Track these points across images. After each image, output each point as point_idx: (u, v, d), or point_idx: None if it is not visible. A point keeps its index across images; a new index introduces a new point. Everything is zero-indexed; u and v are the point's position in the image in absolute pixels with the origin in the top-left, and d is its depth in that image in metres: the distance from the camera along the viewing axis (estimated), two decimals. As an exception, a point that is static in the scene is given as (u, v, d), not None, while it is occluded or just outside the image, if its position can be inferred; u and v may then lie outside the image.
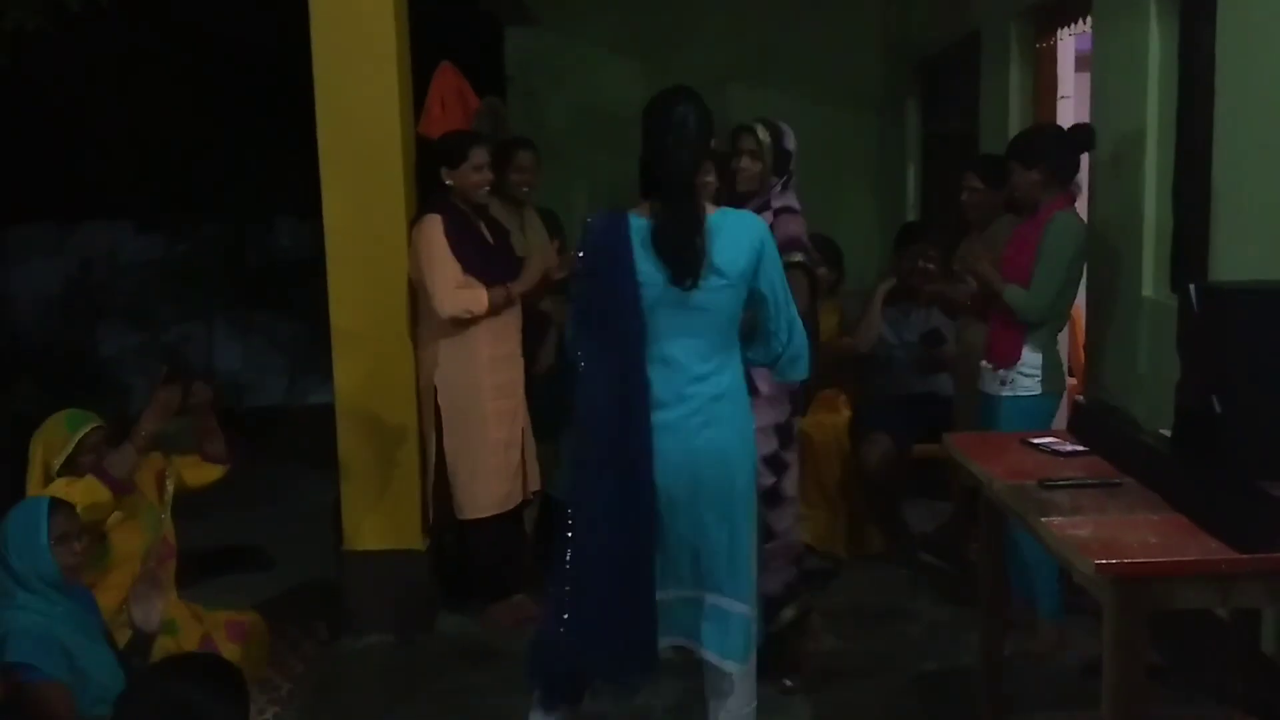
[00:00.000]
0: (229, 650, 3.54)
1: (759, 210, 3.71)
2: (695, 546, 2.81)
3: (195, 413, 3.70)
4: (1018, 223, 4.36)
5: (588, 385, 2.78)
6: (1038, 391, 3.84)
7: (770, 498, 3.65)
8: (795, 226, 3.74)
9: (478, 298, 4.08)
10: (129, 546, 3.49)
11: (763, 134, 3.78)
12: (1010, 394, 3.86)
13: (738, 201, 3.82)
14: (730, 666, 2.87)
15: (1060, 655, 3.85)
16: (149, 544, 3.54)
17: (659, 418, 2.76)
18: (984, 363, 3.99)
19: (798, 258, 3.67)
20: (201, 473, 3.79)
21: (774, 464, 3.65)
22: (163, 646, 3.26)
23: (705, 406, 2.79)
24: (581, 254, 2.81)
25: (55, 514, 3.05)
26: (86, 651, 2.99)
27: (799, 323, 2.89)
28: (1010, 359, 3.87)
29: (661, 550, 2.79)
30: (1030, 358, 3.84)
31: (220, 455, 3.81)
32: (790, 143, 3.82)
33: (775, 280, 2.83)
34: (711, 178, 4.48)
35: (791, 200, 3.81)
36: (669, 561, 2.81)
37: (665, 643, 2.87)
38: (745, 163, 3.80)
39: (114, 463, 3.36)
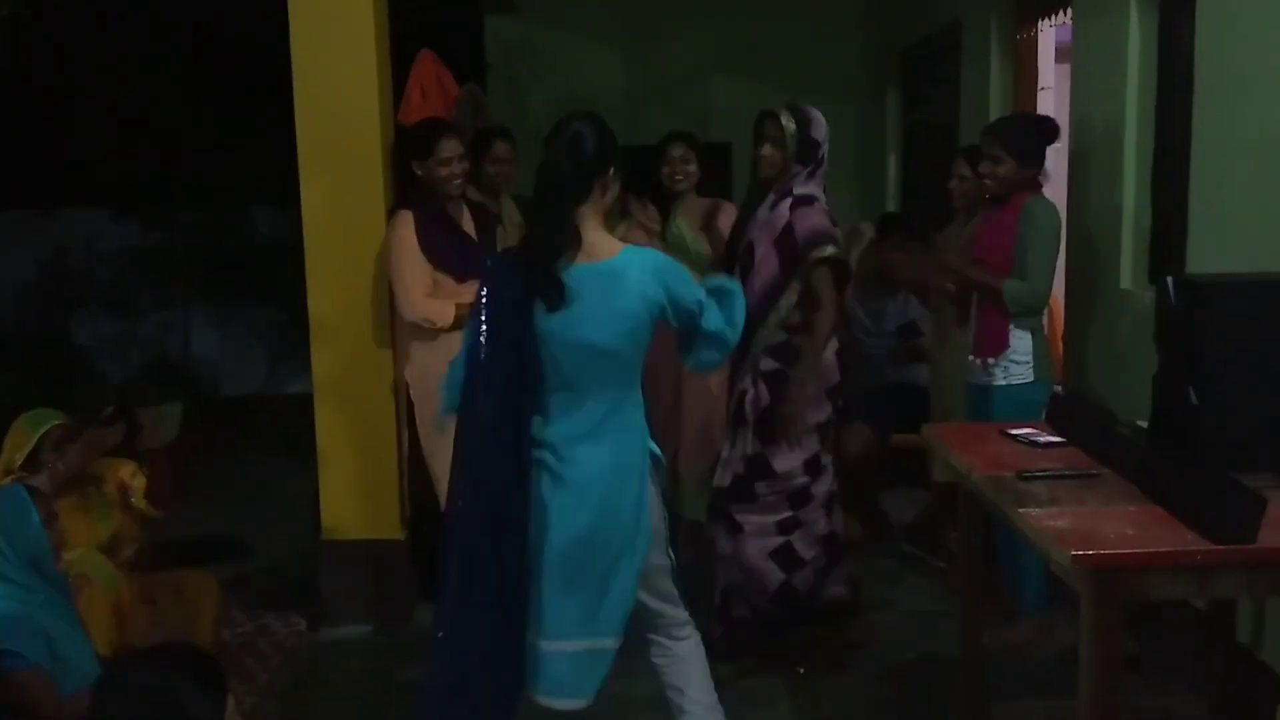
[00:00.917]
0: (172, 608, 3.55)
1: (780, 199, 3.67)
2: (587, 592, 2.77)
3: (145, 457, 3.68)
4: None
5: (474, 424, 2.73)
6: (1030, 379, 3.83)
7: (801, 497, 3.70)
8: (817, 218, 3.63)
9: (442, 311, 3.97)
10: (77, 540, 3.46)
11: (787, 121, 3.65)
12: (1004, 383, 3.85)
13: (759, 188, 3.79)
14: (574, 705, 2.83)
15: (1039, 646, 3.87)
16: (101, 539, 3.52)
17: (550, 462, 2.75)
18: (972, 357, 3.97)
19: (829, 251, 3.59)
20: (141, 504, 3.74)
21: (812, 465, 3.69)
22: (96, 602, 3.26)
23: (593, 449, 2.75)
24: (481, 300, 2.74)
25: (35, 498, 3.05)
26: (66, 638, 2.98)
27: (712, 308, 2.78)
28: (999, 348, 3.86)
29: (548, 599, 2.76)
30: (1020, 345, 3.83)
31: (160, 502, 3.75)
32: (819, 131, 3.69)
33: (686, 301, 2.75)
34: (693, 167, 4.49)
35: (814, 189, 3.69)
36: (559, 611, 2.77)
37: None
38: (767, 150, 3.70)
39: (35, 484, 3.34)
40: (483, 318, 2.73)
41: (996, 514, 2.75)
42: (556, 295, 2.66)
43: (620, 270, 2.71)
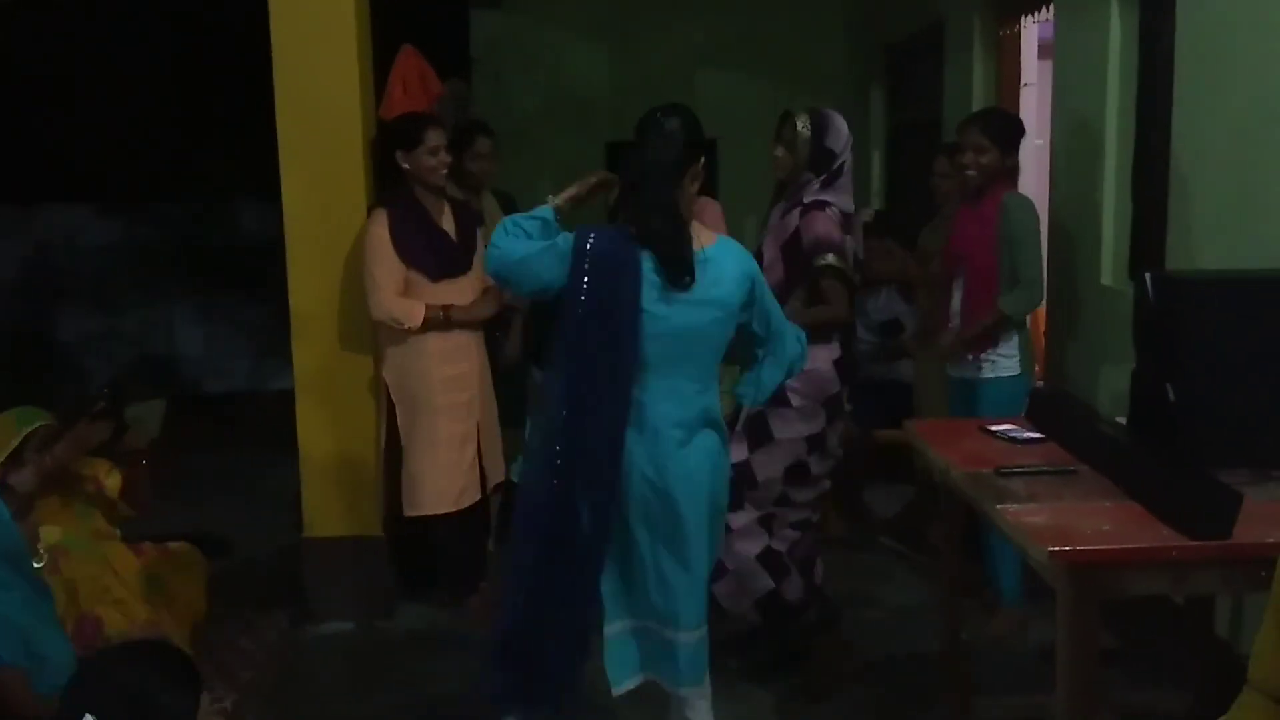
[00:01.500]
0: (152, 553, 3.56)
1: (791, 206, 3.61)
2: (658, 576, 2.83)
3: (125, 459, 3.66)
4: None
5: (568, 404, 2.73)
6: (1017, 371, 3.87)
7: (781, 499, 3.63)
8: (823, 224, 3.51)
9: (411, 311, 3.95)
10: (51, 537, 3.45)
11: (801, 125, 3.56)
12: (991, 375, 3.88)
13: (775, 189, 3.74)
14: (689, 692, 2.90)
15: (1021, 639, 3.89)
16: (79, 535, 3.50)
17: (639, 442, 2.78)
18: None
19: (829, 259, 3.50)
20: (115, 506, 3.72)
21: (795, 473, 3.59)
22: (80, 567, 3.24)
23: (686, 433, 2.81)
24: (584, 272, 2.71)
25: (4, 494, 3.03)
26: (42, 636, 2.96)
27: (788, 336, 2.94)
28: (985, 343, 3.89)
29: (627, 578, 2.84)
30: (1007, 338, 3.87)
31: (136, 503, 3.72)
32: (835, 140, 3.56)
33: (770, 313, 2.88)
34: None
35: (830, 196, 3.55)
36: (636, 589, 2.84)
37: (634, 681, 2.91)
38: (779, 152, 3.62)
39: (16, 480, 3.31)
40: (583, 289, 2.71)
41: (976, 509, 2.75)
42: (689, 275, 2.73)
43: (719, 258, 2.79)
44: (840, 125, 3.61)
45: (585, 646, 2.88)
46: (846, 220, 3.59)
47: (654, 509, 2.80)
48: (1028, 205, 3.89)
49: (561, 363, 2.77)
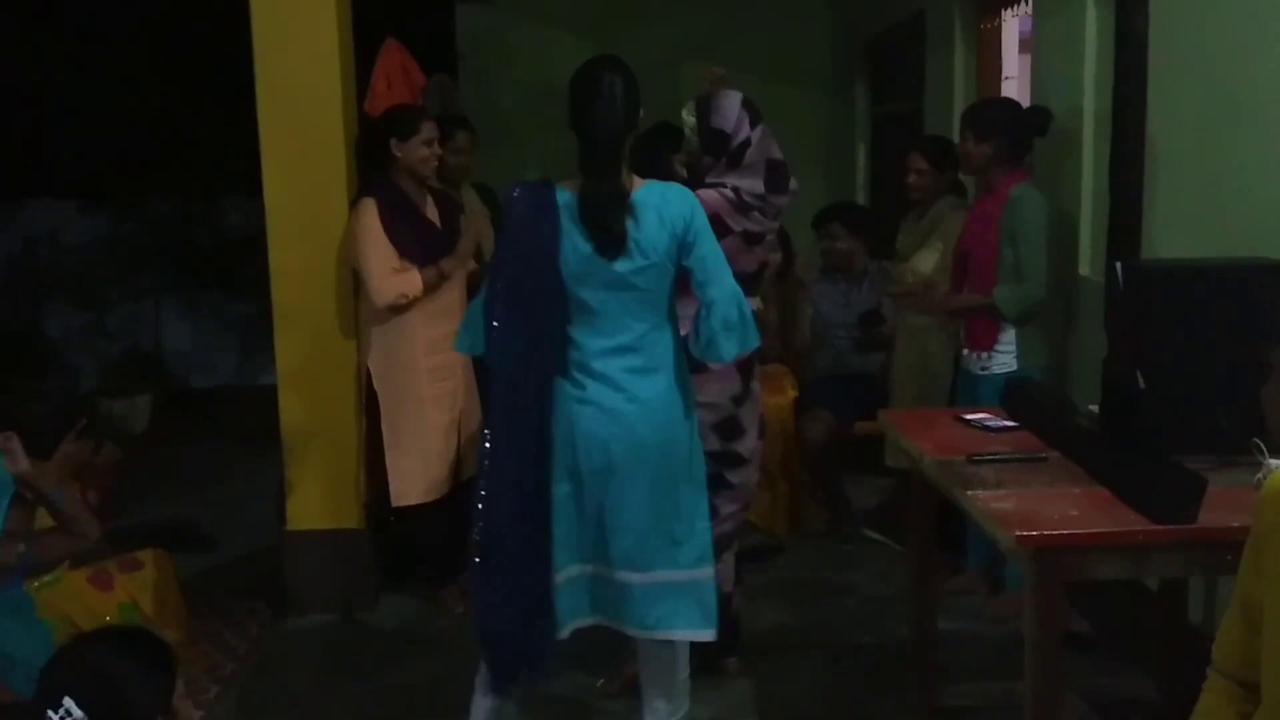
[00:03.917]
0: (122, 581, 3.53)
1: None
2: (613, 523, 2.83)
3: (97, 471, 3.64)
4: (960, 205, 4.42)
5: (498, 356, 2.79)
6: (1013, 368, 3.89)
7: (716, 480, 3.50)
8: (708, 197, 3.27)
9: (410, 281, 3.99)
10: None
11: (686, 113, 3.48)
12: (988, 371, 3.91)
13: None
14: (640, 634, 2.90)
15: (1017, 622, 3.90)
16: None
17: (576, 392, 2.80)
18: (965, 351, 4.03)
19: None
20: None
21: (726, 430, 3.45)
22: (48, 602, 3.24)
23: (629, 382, 2.80)
24: (509, 226, 2.78)
25: None
26: (11, 632, 2.96)
27: (733, 295, 2.79)
28: (989, 342, 3.92)
29: (571, 526, 2.84)
30: (1004, 335, 3.91)
31: (95, 511, 3.69)
32: (723, 120, 3.39)
33: (705, 258, 2.78)
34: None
35: (731, 177, 3.38)
36: (582, 538, 2.85)
37: (579, 623, 2.90)
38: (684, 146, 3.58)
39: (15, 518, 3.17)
40: (514, 245, 2.75)
41: (947, 496, 2.78)
42: (621, 250, 2.73)
43: (641, 204, 2.76)
44: (727, 105, 3.42)
45: (549, 615, 2.86)
46: (761, 201, 3.39)
47: (594, 454, 2.79)
48: (1035, 200, 3.90)
49: (495, 314, 2.76)
